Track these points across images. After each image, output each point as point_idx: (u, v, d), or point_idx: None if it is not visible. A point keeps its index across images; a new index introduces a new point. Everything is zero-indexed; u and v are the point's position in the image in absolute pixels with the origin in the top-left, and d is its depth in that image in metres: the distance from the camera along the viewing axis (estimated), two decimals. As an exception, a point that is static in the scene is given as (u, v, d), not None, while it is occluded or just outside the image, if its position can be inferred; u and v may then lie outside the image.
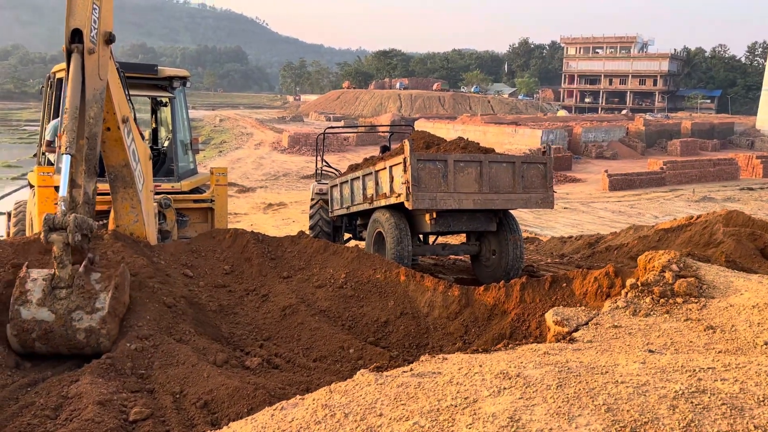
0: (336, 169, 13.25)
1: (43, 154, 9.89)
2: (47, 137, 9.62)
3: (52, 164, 9.30)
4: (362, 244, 10.24)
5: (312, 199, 12.12)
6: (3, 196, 28.72)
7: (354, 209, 10.18)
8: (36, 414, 4.31)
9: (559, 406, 2.27)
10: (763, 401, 2.34)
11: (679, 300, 4.70)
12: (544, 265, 10.99)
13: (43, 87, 10.42)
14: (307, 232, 11.40)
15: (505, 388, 2.40)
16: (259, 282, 7.48)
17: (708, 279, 5.26)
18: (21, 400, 4.66)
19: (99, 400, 4.33)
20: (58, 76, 9.63)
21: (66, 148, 5.88)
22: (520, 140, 47.98)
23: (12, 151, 46.87)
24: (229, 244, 8.04)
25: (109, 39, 6.42)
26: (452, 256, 11.60)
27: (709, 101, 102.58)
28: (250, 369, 5.50)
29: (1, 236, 13.21)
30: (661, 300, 4.73)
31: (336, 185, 10.84)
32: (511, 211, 9.33)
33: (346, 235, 11.86)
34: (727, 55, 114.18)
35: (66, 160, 5.86)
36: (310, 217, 12.01)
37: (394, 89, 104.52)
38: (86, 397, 4.41)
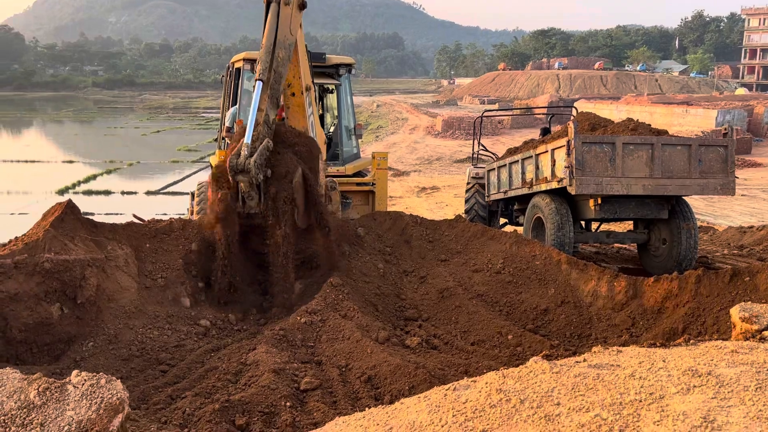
0: (492, 153, 13.07)
1: (223, 138, 10.69)
2: (227, 123, 10.39)
3: None
4: (519, 230, 10.04)
5: (468, 183, 12.06)
6: (184, 178, 31.56)
7: (512, 194, 10.00)
8: (219, 378, 4.71)
9: (760, 410, 2.07)
10: None
11: None
12: (721, 257, 10.12)
13: (222, 76, 11.24)
14: (462, 216, 11.38)
15: (695, 386, 2.23)
16: (417, 263, 7.60)
17: None
18: (206, 363, 5.13)
19: (274, 369, 4.65)
20: (236, 66, 10.34)
21: (258, 75, 6.59)
22: (691, 121, 44.37)
23: (192, 137, 51.22)
24: (389, 226, 8.24)
25: (302, 4, 7.23)
26: (616, 245, 11.04)
27: None
28: (410, 348, 5.62)
29: (184, 215, 14.53)
30: None
31: (493, 169, 10.70)
32: (685, 198, 8.68)
33: (502, 220, 11.69)
34: None
35: (258, 86, 6.51)
36: (466, 201, 11.96)
37: (552, 69, 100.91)
38: (262, 365, 4.74)
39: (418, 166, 36.92)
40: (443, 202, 25.62)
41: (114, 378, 2.77)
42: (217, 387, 4.58)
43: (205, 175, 13.97)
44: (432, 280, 7.27)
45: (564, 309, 6.67)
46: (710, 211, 23.48)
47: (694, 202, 22.32)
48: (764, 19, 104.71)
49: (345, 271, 6.71)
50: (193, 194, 12.65)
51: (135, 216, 8.40)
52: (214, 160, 10.41)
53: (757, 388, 2.20)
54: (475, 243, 8.03)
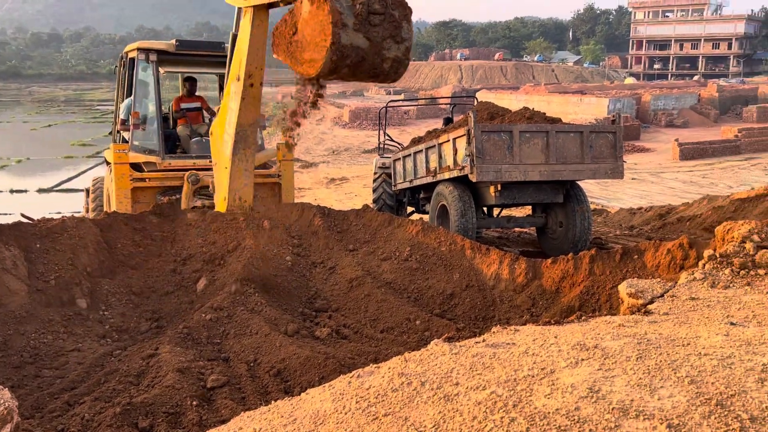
0: (398, 143, 13.23)
1: (118, 132, 10.26)
2: (121, 116, 9.97)
3: (127, 142, 9.65)
4: (426, 218, 10.24)
5: (375, 173, 12.16)
6: (80, 174, 30.02)
7: (417, 183, 10.16)
8: (120, 380, 4.54)
9: (640, 378, 2.22)
10: None
11: (762, 272, 4.50)
12: (613, 238, 10.72)
13: (116, 67, 10.77)
14: (371, 205, 11.46)
15: (582, 359, 2.36)
16: (326, 255, 7.60)
17: (792, 250, 5.01)
18: (106, 366, 4.92)
19: (178, 368, 4.53)
20: (130, 56, 9.93)
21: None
22: (585, 109, 46.64)
23: (86, 131, 48.80)
24: (296, 218, 8.18)
25: None
26: (517, 229, 11.47)
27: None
28: (320, 339, 5.62)
29: (80, 212, 13.85)
30: (742, 272, 4.55)
31: (399, 159, 10.84)
32: (578, 182, 9.12)
33: (409, 209, 11.87)
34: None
35: None
36: (374, 191, 12.06)
37: (454, 60, 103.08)
38: (166, 365, 4.61)
39: (327, 157, 36.86)
40: (352, 192, 25.72)
41: (1, 387, 2.62)
42: (118, 390, 4.41)
43: (101, 171, 13.33)
44: (341, 270, 7.29)
45: (469, 293, 6.87)
46: (604, 194, 24.82)
47: (589, 186, 23.51)
48: (649, 12, 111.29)
49: (251, 265, 6.62)
50: (88, 191, 12.09)
51: (23, 215, 7.92)
52: (109, 154, 9.98)
53: (638, 358, 2.36)
54: (383, 232, 8.11)
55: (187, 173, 9.18)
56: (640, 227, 12.31)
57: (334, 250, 7.66)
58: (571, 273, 6.71)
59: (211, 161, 8.69)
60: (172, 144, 10.27)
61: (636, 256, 6.66)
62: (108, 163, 10.26)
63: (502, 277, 6.94)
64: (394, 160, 11.08)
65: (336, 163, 34.54)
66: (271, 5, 7.18)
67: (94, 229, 6.92)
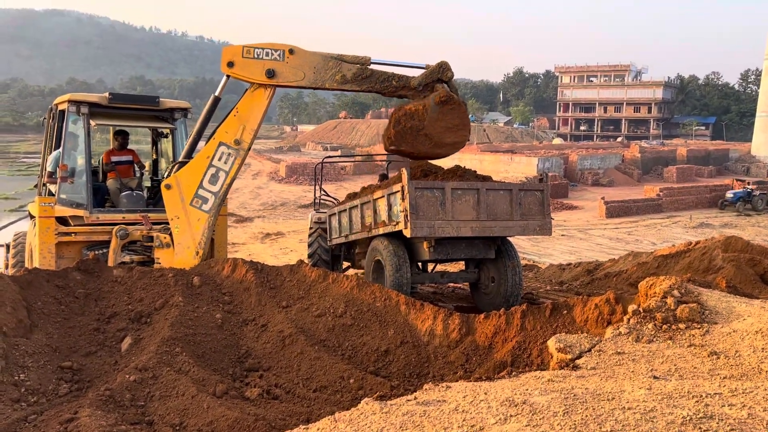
0: (334, 198, 13.26)
1: (44, 185, 9.90)
2: (49, 168, 9.66)
3: (53, 195, 9.32)
4: (361, 273, 10.21)
5: (310, 228, 12.10)
6: (1, 228, 28.69)
7: (352, 238, 10.16)
8: (34, 448, 4.25)
9: (566, 433, 2.24)
10: (771, 427, 2.32)
11: (682, 326, 4.68)
12: (544, 293, 10.95)
13: (44, 119, 10.49)
14: (306, 261, 11.37)
15: (511, 416, 2.37)
16: (258, 312, 7.44)
17: (710, 305, 5.25)
18: (20, 433, 4.61)
19: (98, 433, 4.28)
20: (60, 107, 9.71)
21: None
22: (516, 168, 48.22)
23: (10, 184, 46.90)
24: (228, 274, 8.02)
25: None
26: (451, 284, 11.56)
27: (703, 128, 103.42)
28: (250, 400, 5.44)
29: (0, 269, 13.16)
30: (664, 326, 4.71)
31: (334, 214, 10.84)
32: (509, 239, 9.32)
33: (345, 264, 11.82)
34: (720, 83, 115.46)
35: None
36: (309, 246, 11.98)
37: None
38: (85, 430, 4.35)
39: (262, 211, 36.54)
40: (288, 247, 25.48)
41: None
42: (31, 459, 4.12)
43: (23, 226, 12.77)
44: (273, 328, 7.13)
45: (403, 349, 6.83)
46: (535, 250, 25.47)
47: (521, 242, 24.10)
48: (574, 77, 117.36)
49: (179, 324, 6.40)
50: (8, 246, 11.53)
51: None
52: (34, 208, 9.60)
53: (564, 413, 2.39)
54: (318, 288, 8.02)
55: (115, 227, 8.94)
56: (570, 282, 12.64)
57: (266, 307, 7.51)
58: (504, 328, 6.79)
59: (141, 215, 8.53)
60: (101, 197, 9.99)
61: (565, 311, 6.80)
62: (32, 217, 9.86)
63: (437, 333, 6.95)
64: (330, 215, 11.08)
65: (272, 218, 34.26)
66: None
67: (13, 286, 6.58)
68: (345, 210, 10.29)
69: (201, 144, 8.98)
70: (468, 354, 6.64)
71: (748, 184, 41.51)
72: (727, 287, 8.45)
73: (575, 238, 29.40)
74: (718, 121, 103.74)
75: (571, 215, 37.10)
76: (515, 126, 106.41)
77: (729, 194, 40.24)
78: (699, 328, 4.64)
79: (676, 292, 5.15)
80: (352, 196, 10.56)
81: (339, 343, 6.97)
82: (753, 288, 9.25)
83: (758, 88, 74.91)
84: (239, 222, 31.99)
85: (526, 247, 25.19)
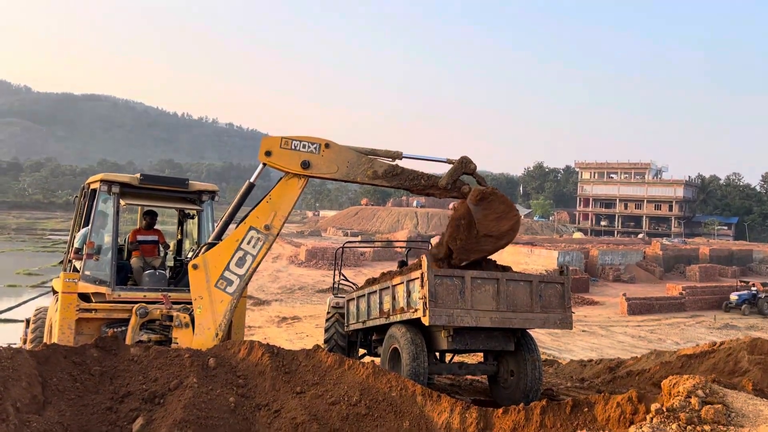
0: (353, 283, 13.28)
1: (70, 261, 10.08)
2: (76, 245, 9.87)
3: (78, 271, 9.47)
4: (377, 360, 10.07)
5: (328, 313, 12.07)
6: (21, 303, 28.91)
7: (370, 324, 10.10)
8: None
9: None
10: None
11: (707, 427, 4.53)
12: (564, 389, 10.67)
13: (75, 197, 10.82)
14: (322, 346, 11.25)
15: None
16: (272, 396, 7.33)
17: (736, 407, 5.09)
18: None
19: None
20: (92, 186, 10.03)
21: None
22: (536, 260, 48.00)
23: (34, 260, 47.62)
24: (243, 356, 7.97)
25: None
26: (469, 376, 11.33)
27: (726, 228, 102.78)
28: (259, 488, 5.29)
29: (16, 344, 13.19)
30: (688, 427, 4.56)
31: (353, 299, 10.84)
32: (529, 332, 9.20)
33: (361, 351, 11.69)
34: (741, 183, 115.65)
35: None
36: (326, 331, 11.91)
37: (411, 207, 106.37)
38: None
39: (280, 295, 36.49)
40: (304, 332, 25.26)
41: None
42: None
43: (44, 301, 12.90)
44: (286, 414, 7.01)
45: (418, 442, 6.65)
46: (556, 345, 24.94)
47: (541, 336, 23.68)
48: (594, 173, 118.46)
49: (192, 406, 6.33)
50: (28, 321, 11.60)
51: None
52: (58, 283, 9.74)
53: None
54: (333, 374, 7.92)
55: (136, 306, 9.02)
56: (591, 379, 12.32)
57: (280, 392, 7.41)
58: (522, 424, 6.61)
59: (162, 294, 8.61)
60: (124, 275, 10.13)
61: (586, 409, 6.63)
62: (55, 293, 9.99)
63: (453, 427, 6.77)
64: (348, 300, 11.07)
65: (289, 302, 34.17)
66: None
67: (30, 361, 6.60)
68: (363, 295, 10.28)
69: (231, 227, 9.19)
70: (485, 449, 6.44)
71: (753, 285, 38.89)
72: (754, 390, 8.18)
73: (596, 334, 28.80)
74: (741, 222, 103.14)
75: (592, 311, 36.50)
76: (535, 219, 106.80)
77: (733, 296, 37.82)
78: (725, 430, 4.48)
79: (700, 392, 5.01)
80: (371, 282, 10.59)
81: (353, 433, 6.81)
82: (781, 392, 8.93)
83: (780, 189, 74.83)
84: (257, 305, 31.93)
85: (547, 341, 24.71)
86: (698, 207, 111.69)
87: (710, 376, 8.28)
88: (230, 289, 8.52)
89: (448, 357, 11.00)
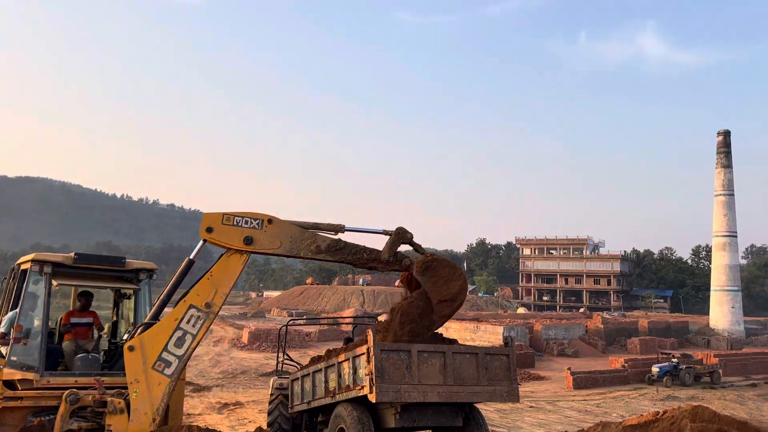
0: (298, 363, 12.96)
1: (-5, 345, 9.54)
2: (2, 329, 9.38)
3: (3, 357, 8.95)
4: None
5: (271, 395, 11.69)
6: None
7: (315, 404, 9.82)
8: None
9: None
10: None
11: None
12: (514, 465, 10.50)
13: (4, 279, 10.36)
14: (266, 429, 10.83)
15: None
16: (212, 484, 6.97)
17: (681, 472, 5.10)
18: None
19: None
20: (23, 267, 9.65)
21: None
22: (482, 336, 48.07)
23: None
24: (182, 442, 7.59)
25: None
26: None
27: (662, 300, 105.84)
28: None
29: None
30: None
31: (297, 379, 10.55)
32: (477, 406, 9.11)
33: (307, 434, 11.29)
34: (674, 257, 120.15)
35: None
36: (269, 414, 11.49)
37: (357, 285, 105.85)
38: None
39: (221, 380, 35.13)
40: (246, 418, 24.25)
41: None
42: None
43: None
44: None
45: None
46: (504, 422, 24.63)
47: (489, 414, 23.40)
48: (535, 249, 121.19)
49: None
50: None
51: None
52: (-21, 370, 9.14)
53: None
54: (276, 458, 7.62)
55: (66, 392, 8.54)
56: (540, 454, 12.17)
57: (221, 479, 7.06)
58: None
59: (95, 379, 8.20)
60: (54, 360, 9.62)
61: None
62: (-23, 381, 9.35)
63: (402, 508, 6.55)
64: (292, 380, 10.77)
65: (231, 387, 32.91)
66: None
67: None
68: (308, 374, 10.04)
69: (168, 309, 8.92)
70: None
71: (674, 357, 38.66)
72: (698, 457, 8.24)
73: (544, 409, 28.67)
74: (675, 294, 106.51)
75: (538, 386, 36.48)
76: (480, 295, 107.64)
77: (655, 368, 37.32)
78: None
79: (646, 458, 5.02)
80: (315, 360, 10.37)
81: None
82: (724, 459, 9.03)
83: (710, 263, 78.10)
84: (196, 391, 30.61)
85: (495, 418, 24.43)
86: (635, 281, 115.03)
87: (655, 445, 8.31)
88: (168, 371, 8.20)
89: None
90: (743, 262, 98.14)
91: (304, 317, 64.10)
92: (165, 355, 8.23)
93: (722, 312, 68.24)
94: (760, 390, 35.28)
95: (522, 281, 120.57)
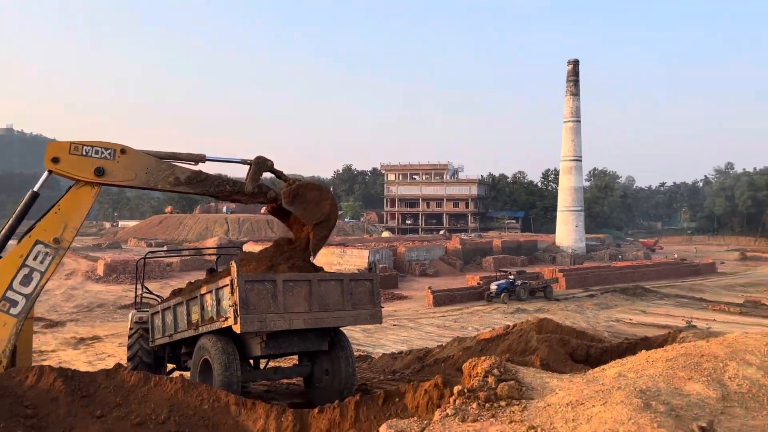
0: (158, 296, 12.56)
1: None
2: None
3: None
4: (188, 375, 9.62)
5: (131, 329, 11.30)
6: None
7: (177, 337, 9.62)
8: None
9: None
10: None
11: (503, 403, 4.93)
12: (377, 382, 11.02)
13: None
14: (126, 364, 10.53)
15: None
16: (68, 423, 6.70)
17: (527, 381, 5.60)
18: None
19: None
20: None
21: None
22: (348, 260, 49.13)
23: None
24: (32, 384, 7.18)
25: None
26: (285, 380, 11.25)
27: (514, 221, 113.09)
28: None
29: None
30: (487, 404, 4.93)
31: (157, 312, 10.25)
32: (342, 330, 9.35)
33: (170, 366, 11.10)
34: (525, 181, 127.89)
35: None
36: (129, 348, 11.13)
37: (220, 213, 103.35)
38: None
39: (76, 314, 33.49)
40: (105, 353, 23.45)
41: None
42: None
43: None
44: (85, 442, 6.44)
45: (233, 453, 6.47)
46: (369, 341, 25.68)
47: (354, 334, 24.23)
48: (399, 174, 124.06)
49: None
50: None
51: None
52: None
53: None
54: (138, 393, 7.43)
55: None
56: (402, 371, 12.86)
57: (77, 418, 6.80)
58: (338, 421, 6.71)
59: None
60: None
61: (398, 399, 6.91)
62: None
63: (269, 432, 6.68)
64: (152, 314, 10.45)
65: (87, 322, 31.48)
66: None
67: None
68: (169, 308, 9.78)
69: (12, 243, 8.25)
70: (302, 451, 6.44)
71: (511, 274, 40.74)
72: (542, 365, 9.08)
73: (406, 327, 30.16)
74: (527, 215, 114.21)
75: (401, 305, 38.17)
76: (346, 220, 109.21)
77: (493, 286, 39.08)
78: (518, 405, 4.91)
79: (496, 371, 5.44)
80: (176, 293, 10.10)
81: (161, 453, 6.44)
82: (564, 365, 10.03)
83: (557, 186, 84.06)
84: (48, 327, 28.99)
85: (360, 338, 25.36)
86: (490, 203, 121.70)
87: (505, 356, 9.05)
88: (14, 311, 7.67)
89: (262, 363, 10.83)
90: (587, 184, 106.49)
91: (164, 248, 61.97)
92: (10, 294, 7.69)
93: (567, 231, 74.20)
94: (596, 300, 39.22)
95: (387, 206, 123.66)
